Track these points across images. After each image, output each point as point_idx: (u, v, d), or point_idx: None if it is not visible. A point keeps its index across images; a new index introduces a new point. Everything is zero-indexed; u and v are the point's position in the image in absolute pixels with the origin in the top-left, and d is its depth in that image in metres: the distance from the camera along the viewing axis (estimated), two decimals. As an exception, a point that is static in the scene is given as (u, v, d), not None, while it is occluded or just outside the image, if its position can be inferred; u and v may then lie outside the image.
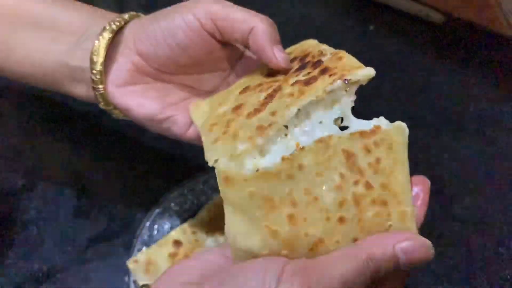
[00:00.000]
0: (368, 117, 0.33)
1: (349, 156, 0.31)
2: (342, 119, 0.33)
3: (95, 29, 0.41)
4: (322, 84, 0.33)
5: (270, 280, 0.28)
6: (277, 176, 0.31)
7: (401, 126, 0.32)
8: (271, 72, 0.39)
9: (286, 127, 0.33)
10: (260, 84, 0.37)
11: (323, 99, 0.33)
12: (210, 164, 0.33)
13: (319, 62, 0.36)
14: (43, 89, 0.47)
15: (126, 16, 0.42)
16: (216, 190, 0.55)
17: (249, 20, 0.37)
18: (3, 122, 0.65)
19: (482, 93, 0.67)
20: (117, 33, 0.41)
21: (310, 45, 0.40)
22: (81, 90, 0.43)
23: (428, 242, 0.31)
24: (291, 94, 0.34)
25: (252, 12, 0.38)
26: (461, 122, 0.64)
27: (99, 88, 0.41)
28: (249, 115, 0.34)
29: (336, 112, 0.33)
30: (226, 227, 0.32)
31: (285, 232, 0.31)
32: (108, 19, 0.41)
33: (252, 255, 0.32)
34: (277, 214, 0.31)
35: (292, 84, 0.35)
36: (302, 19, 0.74)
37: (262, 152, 0.32)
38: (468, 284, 0.51)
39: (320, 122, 0.33)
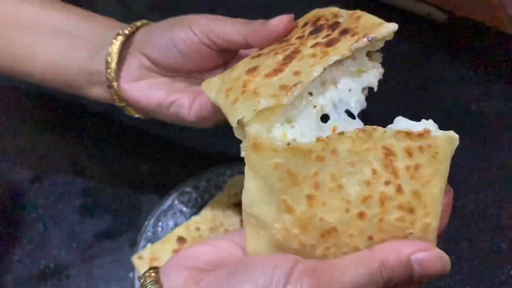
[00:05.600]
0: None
1: (388, 154, 0.30)
2: (368, 91, 0.33)
3: (110, 36, 0.45)
4: (346, 43, 0.32)
5: (279, 278, 0.28)
6: (307, 154, 0.30)
7: (453, 137, 0.30)
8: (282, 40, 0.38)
9: (311, 94, 0.32)
10: (273, 49, 0.36)
11: (349, 61, 0.32)
12: (234, 124, 0.32)
13: (336, 24, 0.34)
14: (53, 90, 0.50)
15: (138, 23, 0.47)
16: (219, 188, 0.56)
17: (241, 30, 0.41)
18: (10, 121, 0.65)
19: (484, 92, 0.67)
20: (129, 38, 0.46)
21: (319, 11, 0.39)
22: (98, 92, 0.47)
23: (445, 255, 0.29)
24: (314, 55, 0.32)
25: (241, 21, 0.41)
26: (463, 121, 0.64)
27: (113, 85, 0.45)
28: (268, 75, 0.33)
29: (364, 81, 0.33)
30: (243, 192, 0.31)
31: (301, 211, 0.30)
32: (121, 27, 0.46)
33: (263, 227, 0.31)
34: (297, 191, 0.30)
35: (313, 46, 0.33)
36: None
37: (288, 119, 0.31)
38: (470, 279, 0.51)
39: (350, 90, 0.32)
